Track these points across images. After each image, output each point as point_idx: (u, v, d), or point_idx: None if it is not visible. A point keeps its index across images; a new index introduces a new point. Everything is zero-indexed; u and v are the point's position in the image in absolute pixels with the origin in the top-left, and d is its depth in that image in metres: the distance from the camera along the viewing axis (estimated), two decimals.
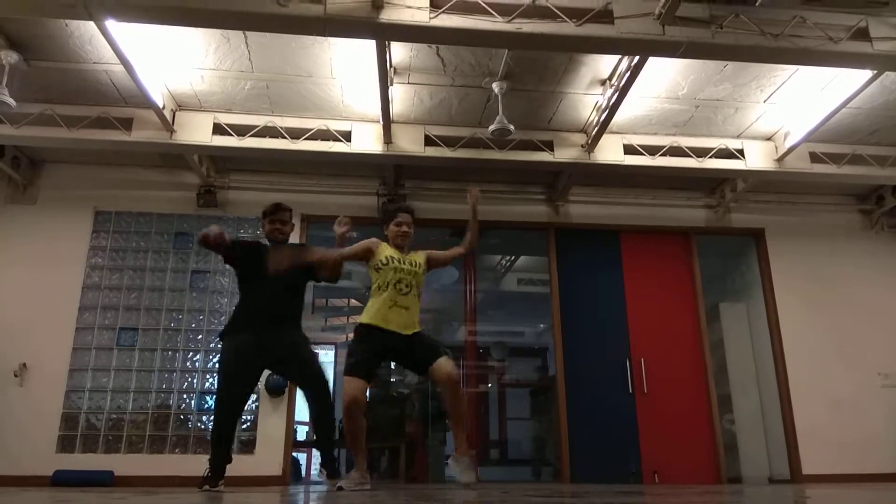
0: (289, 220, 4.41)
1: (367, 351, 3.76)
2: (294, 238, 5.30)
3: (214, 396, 4.30)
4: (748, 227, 7.04)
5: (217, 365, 4.66)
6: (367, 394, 4.26)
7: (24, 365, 5.76)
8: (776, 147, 6.04)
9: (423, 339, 3.88)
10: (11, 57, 4.78)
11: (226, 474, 4.07)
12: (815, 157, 6.06)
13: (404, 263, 3.89)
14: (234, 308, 4.39)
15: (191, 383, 6.01)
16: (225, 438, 4.09)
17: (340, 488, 3.63)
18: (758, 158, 6.04)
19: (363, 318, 3.82)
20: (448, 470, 3.80)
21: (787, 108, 5.62)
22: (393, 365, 6.21)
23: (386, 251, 3.94)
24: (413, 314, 3.85)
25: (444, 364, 3.75)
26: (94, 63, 5.00)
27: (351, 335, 4.20)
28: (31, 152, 6.22)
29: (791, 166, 6.04)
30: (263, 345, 4.04)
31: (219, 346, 4.31)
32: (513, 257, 9.50)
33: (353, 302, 9.61)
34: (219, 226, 4.16)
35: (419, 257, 4.01)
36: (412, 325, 3.83)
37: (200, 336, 6.12)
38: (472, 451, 3.90)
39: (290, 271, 4.04)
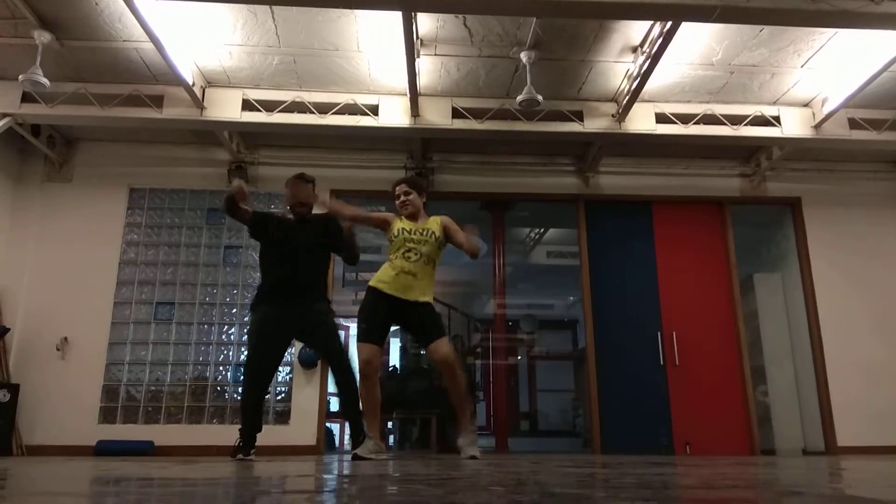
0: (311, 192, 4.38)
1: (375, 315, 3.86)
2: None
3: (243, 367, 4.39)
4: (784, 196, 6.89)
5: (247, 336, 4.74)
6: (390, 366, 4.32)
7: (66, 339, 5.93)
8: (813, 113, 5.87)
9: (430, 314, 3.90)
10: (44, 37, 4.85)
11: (262, 444, 4.16)
12: (853, 124, 5.88)
13: (414, 234, 3.92)
14: (259, 282, 4.45)
15: (227, 356, 6.14)
16: (254, 408, 4.17)
17: (356, 456, 3.69)
18: (794, 125, 5.89)
19: (371, 281, 3.92)
20: (459, 443, 3.89)
21: (825, 73, 5.45)
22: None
23: (399, 224, 3.99)
24: (420, 281, 3.85)
25: (441, 346, 3.81)
26: (125, 41, 5.04)
27: None
28: (65, 131, 6.33)
29: (829, 133, 5.87)
30: (288, 316, 4.12)
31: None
32: (542, 230, 9.46)
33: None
34: (240, 182, 4.21)
35: (434, 224, 4.00)
36: (418, 291, 3.84)
37: (235, 310, 6.22)
38: (475, 427, 3.99)
39: (314, 244, 4.13)
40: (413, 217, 4.03)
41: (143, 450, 5.63)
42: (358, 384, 3.92)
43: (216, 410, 5.98)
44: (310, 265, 4.23)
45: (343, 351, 4.28)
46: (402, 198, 4.05)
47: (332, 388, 6.35)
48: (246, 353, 4.47)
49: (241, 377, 5.92)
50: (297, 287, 4.15)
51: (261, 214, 4.43)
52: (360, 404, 3.92)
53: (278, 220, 4.38)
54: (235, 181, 4.18)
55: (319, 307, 4.24)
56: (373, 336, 3.82)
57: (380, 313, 3.86)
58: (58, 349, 5.90)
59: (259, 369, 4.17)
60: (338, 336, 4.40)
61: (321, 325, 4.21)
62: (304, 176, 4.41)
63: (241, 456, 4.00)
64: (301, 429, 5.96)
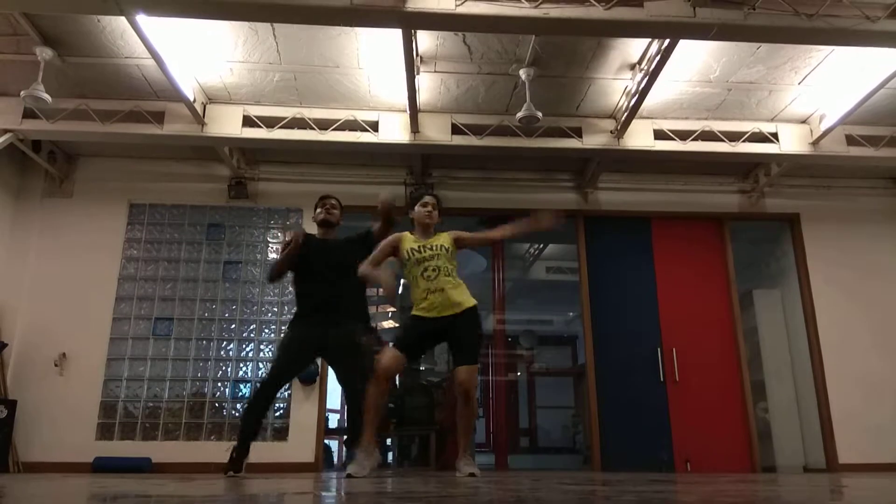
0: (337, 205, 4.46)
1: (415, 333, 3.88)
2: None
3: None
4: (783, 213, 6.90)
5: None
6: (400, 376, 4.31)
7: (64, 355, 5.91)
8: (811, 130, 5.90)
9: (471, 331, 3.88)
10: (46, 53, 4.88)
11: (260, 461, 4.14)
12: (851, 140, 5.91)
13: (424, 251, 3.90)
14: (295, 297, 4.46)
15: (225, 372, 6.12)
16: (256, 420, 4.17)
17: (350, 475, 3.65)
18: (792, 142, 5.91)
19: (413, 311, 3.91)
20: (458, 466, 3.85)
21: (822, 90, 5.49)
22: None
23: (407, 244, 3.95)
24: (450, 293, 3.84)
25: (467, 372, 3.79)
26: (126, 58, 5.07)
27: (385, 323, 4.34)
28: (66, 147, 6.35)
29: (827, 149, 5.90)
30: (311, 335, 4.14)
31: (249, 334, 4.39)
32: (541, 245, 9.46)
33: (362, 270, 9.65)
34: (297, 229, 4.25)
35: (443, 239, 4.00)
36: (455, 304, 3.84)
37: (234, 325, 6.21)
38: (472, 452, 4.00)
39: (340, 261, 4.15)
40: (424, 232, 4.01)
41: (141, 466, 5.59)
42: (369, 387, 3.84)
43: (214, 427, 5.95)
44: (336, 284, 4.18)
45: (363, 377, 4.08)
46: (430, 208, 4.04)
47: (331, 404, 6.34)
48: (273, 362, 4.55)
49: (244, 394, 5.98)
50: (322, 306, 4.16)
51: (293, 244, 4.29)
52: (366, 406, 3.82)
53: (306, 239, 4.35)
54: (291, 233, 4.23)
55: (349, 328, 4.16)
56: (404, 345, 3.83)
57: (420, 333, 3.88)
58: (56, 365, 5.88)
59: (274, 382, 4.19)
60: (361, 360, 4.20)
61: (345, 345, 4.12)
62: (329, 195, 4.51)
63: (232, 473, 3.97)
64: (299, 446, 5.93)
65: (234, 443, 4.08)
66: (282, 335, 4.38)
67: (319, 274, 4.20)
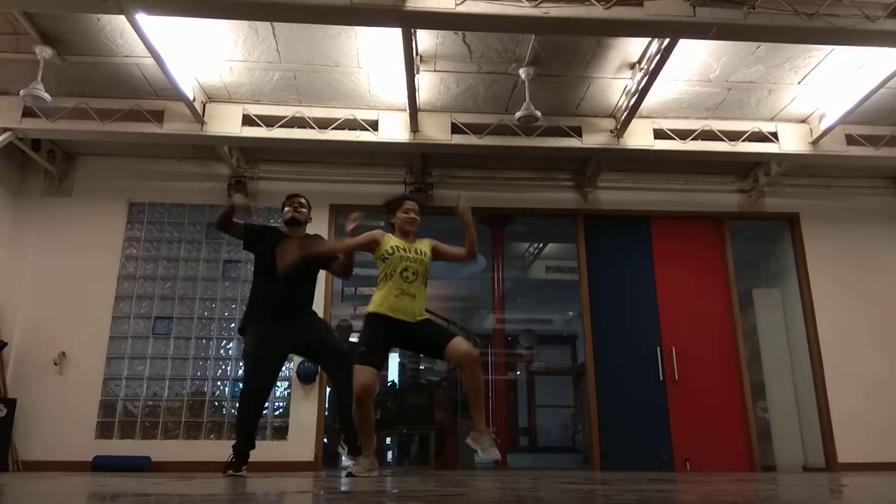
0: (306, 204, 4.46)
1: (376, 338, 3.79)
2: (321, 227, 5.34)
3: (241, 385, 4.36)
4: (782, 212, 6.90)
5: (242, 357, 4.71)
6: (389, 381, 4.28)
7: (64, 354, 5.91)
8: (811, 129, 5.90)
9: (431, 324, 3.90)
10: (46, 52, 4.87)
11: (260, 460, 4.14)
12: (851, 140, 5.91)
13: (410, 252, 3.87)
14: (248, 298, 4.43)
15: (224, 370, 6.12)
16: (249, 428, 4.16)
17: (351, 474, 3.67)
18: (792, 141, 5.91)
19: (370, 308, 3.82)
20: (470, 443, 3.75)
21: (822, 90, 5.49)
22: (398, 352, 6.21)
23: (391, 241, 3.91)
24: (419, 301, 3.83)
25: (460, 343, 3.75)
26: (126, 56, 5.07)
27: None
28: (65, 145, 6.35)
29: (826, 149, 5.90)
30: (284, 334, 4.13)
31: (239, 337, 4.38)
32: (541, 245, 9.46)
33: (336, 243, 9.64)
34: (242, 197, 4.23)
35: (424, 245, 3.97)
36: (419, 312, 3.82)
37: (233, 324, 6.21)
38: (490, 429, 3.88)
39: (303, 263, 4.08)
40: (406, 236, 3.99)
41: (141, 465, 5.59)
42: (353, 406, 3.86)
43: (213, 426, 5.95)
44: (300, 282, 4.21)
45: (346, 352, 4.22)
46: (413, 215, 3.99)
47: (330, 402, 6.33)
48: (244, 372, 4.45)
49: (238, 395, 5.97)
50: (288, 306, 4.17)
51: (254, 229, 4.43)
52: (357, 426, 3.85)
53: (272, 234, 4.36)
54: (237, 196, 4.21)
55: (315, 321, 4.28)
56: (372, 359, 3.75)
57: (381, 336, 3.80)
58: (55, 364, 5.87)
59: (255, 391, 4.16)
60: (335, 337, 4.38)
61: (316, 333, 4.23)
62: (295, 193, 4.49)
63: (231, 472, 3.97)
64: (299, 444, 5.92)
65: (232, 454, 4.09)
66: (246, 342, 4.24)
67: (287, 276, 4.08)
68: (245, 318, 4.31)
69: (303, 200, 4.46)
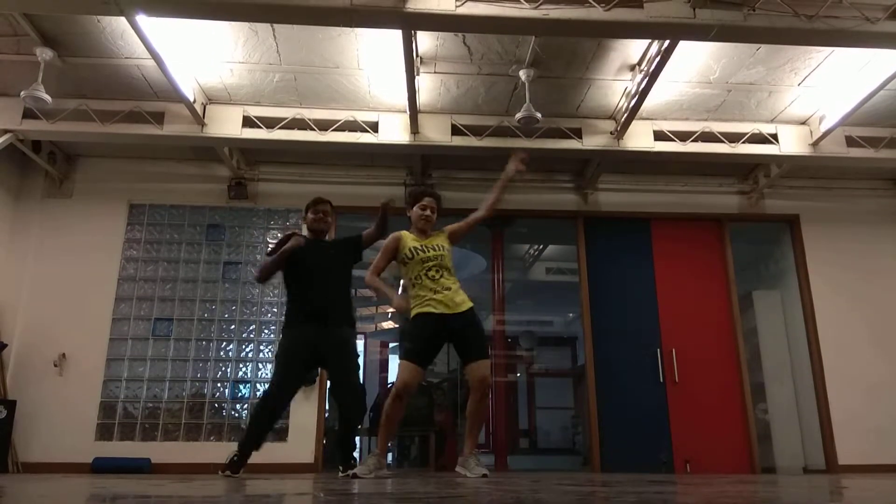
0: (330, 211, 4.45)
1: (423, 336, 3.80)
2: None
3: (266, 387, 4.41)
4: (782, 214, 6.90)
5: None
6: (388, 383, 4.28)
7: (64, 355, 5.91)
8: (811, 131, 5.90)
9: (476, 328, 3.87)
10: (46, 54, 4.88)
11: (260, 462, 4.14)
12: (851, 141, 5.91)
13: (428, 251, 3.89)
14: (286, 302, 4.42)
15: (224, 372, 6.11)
16: (263, 430, 4.17)
17: (355, 475, 3.65)
18: (792, 143, 5.91)
19: (416, 309, 3.84)
20: (459, 470, 3.79)
21: (822, 91, 5.49)
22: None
23: (408, 243, 3.93)
24: (456, 291, 3.86)
25: (482, 367, 3.77)
26: (126, 58, 5.07)
27: (385, 324, 4.34)
28: (66, 147, 6.35)
29: (826, 151, 5.90)
30: (308, 340, 4.12)
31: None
32: (541, 246, 9.46)
33: (366, 278, 9.66)
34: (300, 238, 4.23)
35: (440, 238, 4.00)
36: (462, 301, 3.84)
37: (233, 326, 6.21)
38: (477, 451, 3.92)
39: (334, 265, 4.16)
40: (422, 233, 4.00)
41: (141, 467, 5.58)
42: (388, 400, 3.85)
43: (214, 427, 5.95)
44: (329, 287, 4.20)
45: (356, 383, 4.24)
46: (429, 213, 4.02)
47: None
48: (272, 374, 4.51)
49: (243, 394, 5.99)
50: (315, 314, 4.14)
51: (288, 249, 4.25)
52: (382, 420, 3.84)
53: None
54: (296, 238, 4.22)
55: (341, 332, 4.21)
56: (419, 357, 3.77)
57: (427, 334, 3.80)
58: (55, 365, 5.87)
59: (277, 393, 4.19)
60: (354, 365, 4.31)
61: (339, 349, 4.17)
62: (323, 198, 4.48)
63: (228, 473, 3.96)
64: (299, 447, 5.92)
65: (236, 450, 4.09)
66: (278, 345, 4.33)
67: (313, 279, 4.18)
68: (285, 319, 4.36)
69: (328, 209, 4.43)
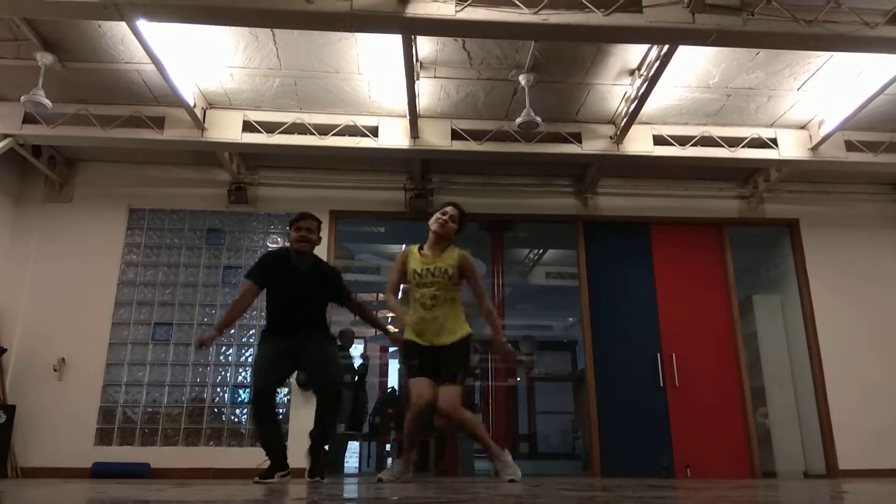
0: (315, 230, 4.18)
1: (416, 352, 3.81)
2: (321, 234, 5.29)
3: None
4: (782, 218, 6.91)
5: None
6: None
7: (63, 360, 5.90)
8: (810, 135, 5.91)
9: (451, 356, 3.77)
10: (47, 58, 4.88)
11: (260, 466, 4.12)
12: (850, 146, 5.92)
13: (426, 276, 3.81)
14: (265, 312, 4.35)
15: (224, 377, 6.11)
16: (265, 430, 4.17)
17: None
18: (792, 147, 5.92)
19: (405, 334, 3.86)
20: (503, 477, 3.69)
21: (821, 96, 5.50)
22: None
23: (412, 263, 3.88)
24: (443, 322, 3.78)
25: (446, 393, 3.67)
26: (127, 63, 5.08)
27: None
28: (66, 152, 6.36)
29: (826, 155, 5.91)
30: (292, 351, 4.11)
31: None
32: (541, 251, 9.46)
33: (382, 296, 9.66)
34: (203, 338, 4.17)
35: (450, 260, 3.85)
36: (445, 333, 3.78)
37: (233, 331, 6.20)
38: (504, 450, 3.83)
39: (311, 293, 4.12)
40: (435, 243, 3.90)
41: (140, 472, 5.57)
42: (407, 415, 3.89)
43: (213, 432, 5.94)
44: (307, 308, 4.18)
45: (335, 380, 4.21)
46: (446, 219, 3.90)
47: None
48: (251, 380, 4.47)
49: (242, 399, 5.99)
50: (299, 324, 4.13)
51: (261, 276, 4.16)
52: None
53: (276, 260, 4.23)
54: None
55: (322, 345, 4.20)
56: (423, 371, 3.76)
57: (416, 355, 3.81)
58: (55, 370, 5.87)
59: (260, 389, 4.14)
60: (333, 361, 4.29)
61: (316, 348, 4.16)
62: (308, 214, 4.25)
63: (257, 479, 3.94)
64: (299, 451, 5.87)
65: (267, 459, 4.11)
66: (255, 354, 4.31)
67: (290, 302, 4.11)
68: (262, 334, 4.32)
69: (312, 226, 4.16)
